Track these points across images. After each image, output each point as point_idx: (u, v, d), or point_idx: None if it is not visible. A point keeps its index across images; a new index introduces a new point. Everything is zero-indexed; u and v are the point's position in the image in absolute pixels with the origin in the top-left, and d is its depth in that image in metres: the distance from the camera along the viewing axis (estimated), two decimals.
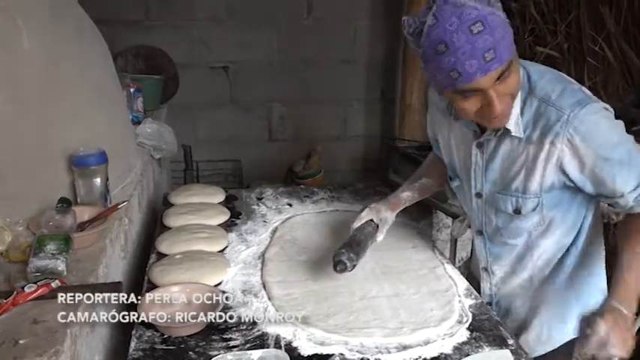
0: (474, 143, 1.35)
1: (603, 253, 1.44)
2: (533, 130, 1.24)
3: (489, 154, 1.34)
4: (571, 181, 1.26)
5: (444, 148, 1.50)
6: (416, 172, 1.68)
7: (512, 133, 1.26)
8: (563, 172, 1.25)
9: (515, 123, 1.25)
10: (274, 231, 1.75)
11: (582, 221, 1.37)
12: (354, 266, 1.37)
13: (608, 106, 1.26)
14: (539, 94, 1.23)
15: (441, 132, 1.49)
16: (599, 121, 1.21)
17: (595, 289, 1.42)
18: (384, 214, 1.54)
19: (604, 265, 1.44)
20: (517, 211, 1.33)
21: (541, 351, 1.45)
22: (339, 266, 1.35)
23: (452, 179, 1.50)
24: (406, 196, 1.60)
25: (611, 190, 1.23)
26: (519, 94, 1.23)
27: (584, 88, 1.25)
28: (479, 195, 1.40)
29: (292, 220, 1.85)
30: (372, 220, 1.53)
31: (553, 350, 1.44)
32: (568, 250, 1.39)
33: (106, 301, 1.26)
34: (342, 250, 1.38)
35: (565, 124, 1.19)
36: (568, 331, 1.42)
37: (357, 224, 1.51)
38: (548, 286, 1.43)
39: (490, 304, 1.50)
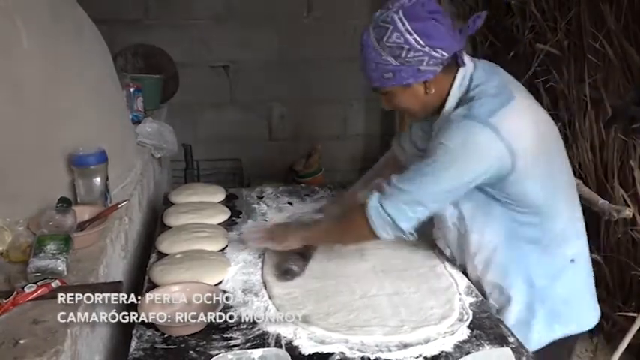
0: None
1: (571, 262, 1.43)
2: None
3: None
4: None
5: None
6: (369, 173, 1.78)
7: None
8: None
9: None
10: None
11: (492, 211, 1.37)
12: (303, 271, 1.46)
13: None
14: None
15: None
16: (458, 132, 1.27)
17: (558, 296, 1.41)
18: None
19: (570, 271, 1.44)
20: None
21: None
22: (288, 275, 1.42)
23: None
24: (362, 196, 1.51)
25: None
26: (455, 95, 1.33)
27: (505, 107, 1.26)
28: None
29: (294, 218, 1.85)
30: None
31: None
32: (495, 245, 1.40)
33: (107, 301, 1.26)
34: (290, 259, 1.45)
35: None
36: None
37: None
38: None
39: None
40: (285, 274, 1.42)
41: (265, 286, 1.40)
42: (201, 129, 3.83)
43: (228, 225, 1.76)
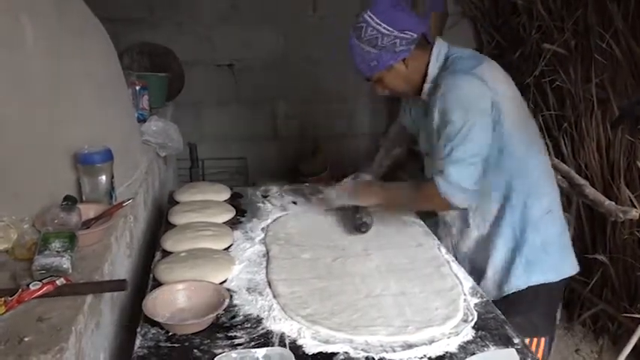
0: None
1: (549, 212, 1.66)
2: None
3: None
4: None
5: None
6: (386, 142, 2.07)
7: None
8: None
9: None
10: (267, 228, 1.75)
11: (507, 179, 1.61)
12: (373, 223, 1.68)
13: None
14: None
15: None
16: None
17: (534, 245, 1.63)
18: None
19: (550, 223, 1.67)
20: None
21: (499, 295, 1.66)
22: (363, 227, 1.65)
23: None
24: (385, 165, 2.03)
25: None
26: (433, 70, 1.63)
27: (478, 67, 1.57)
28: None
29: (295, 217, 1.85)
30: None
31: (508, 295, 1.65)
32: (503, 206, 1.64)
33: (111, 299, 1.27)
34: (359, 215, 1.68)
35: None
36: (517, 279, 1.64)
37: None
38: (495, 241, 1.67)
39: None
40: (359, 227, 1.66)
41: (270, 285, 1.39)
42: (207, 127, 3.83)
43: (233, 224, 1.76)
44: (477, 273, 1.67)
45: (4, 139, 1.32)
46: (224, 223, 1.74)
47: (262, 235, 1.70)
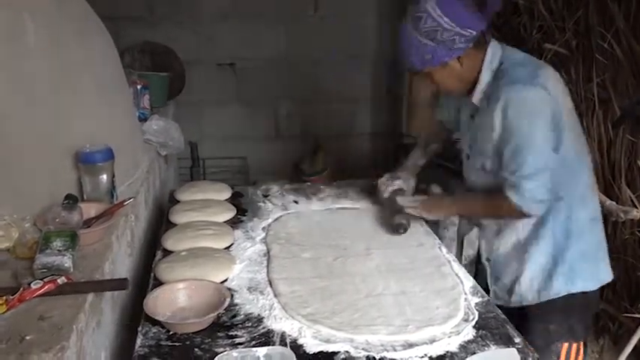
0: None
1: (591, 221, 1.63)
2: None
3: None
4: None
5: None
6: (422, 139, 2.03)
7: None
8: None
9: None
10: (268, 228, 1.75)
11: (556, 187, 1.53)
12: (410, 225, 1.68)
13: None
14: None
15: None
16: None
17: (577, 252, 1.59)
18: (410, 181, 1.87)
19: (592, 232, 1.64)
20: (484, 169, 1.63)
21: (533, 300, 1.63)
22: (401, 229, 1.66)
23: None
24: (422, 162, 1.96)
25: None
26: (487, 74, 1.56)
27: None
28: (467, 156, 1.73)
29: (295, 216, 1.85)
30: (400, 189, 1.82)
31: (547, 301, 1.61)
32: (546, 212, 1.57)
33: (112, 298, 1.27)
34: (396, 216, 1.69)
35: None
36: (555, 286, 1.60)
37: (388, 190, 1.83)
38: (534, 246, 1.62)
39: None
40: (397, 228, 1.66)
41: (271, 284, 1.39)
42: (208, 127, 3.83)
43: (234, 223, 1.76)
44: (511, 276, 1.67)
45: (5, 137, 1.32)
46: (225, 222, 1.74)
47: (263, 235, 1.70)
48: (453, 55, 1.52)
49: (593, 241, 1.64)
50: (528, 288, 1.63)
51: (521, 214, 1.55)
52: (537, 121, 1.48)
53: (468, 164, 1.73)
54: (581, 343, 1.64)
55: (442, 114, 1.93)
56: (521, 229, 1.63)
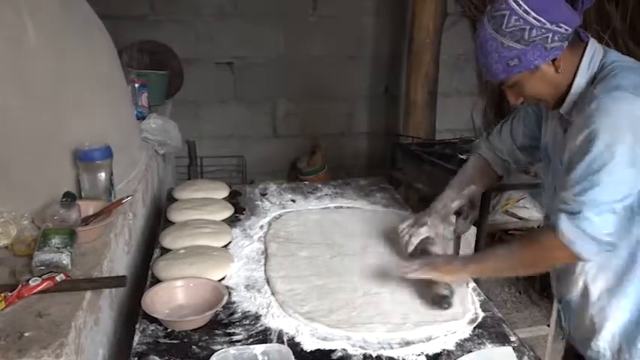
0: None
1: None
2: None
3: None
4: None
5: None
6: (459, 177, 1.62)
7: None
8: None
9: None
10: (270, 226, 1.75)
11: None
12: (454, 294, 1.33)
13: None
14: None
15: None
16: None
17: None
18: (439, 229, 1.53)
19: None
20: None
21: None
22: (444, 304, 1.29)
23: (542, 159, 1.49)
24: (456, 205, 1.57)
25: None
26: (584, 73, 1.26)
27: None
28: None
29: (292, 215, 1.85)
30: (429, 237, 1.50)
31: None
32: (632, 260, 1.26)
33: (110, 295, 1.28)
34: (434, 286, 1.32)
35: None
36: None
37: (413, 243, 1.49)
38: (618, 298, 1.30)
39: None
40: (440, 303, 1.29)
41: (268, 282, 1.40)
42: (206, 125, 3.83)
43: (232, 221, 1.76)
44: (586, 328, 1.36)
45: (4, 135, 1.32)
46: (223, 220, 1.74)
47: (261, 233, 1.70)
48: (548, 56, 1.22)
49: None
50: (606, 344, 1.33)
51: (569, 254, 1.20)
52: (625, 139, 1.14)
53: (553, 206, 1.27)
54: None
55: (504, 142, 1.57)
56: (600, 278, 1.31)
